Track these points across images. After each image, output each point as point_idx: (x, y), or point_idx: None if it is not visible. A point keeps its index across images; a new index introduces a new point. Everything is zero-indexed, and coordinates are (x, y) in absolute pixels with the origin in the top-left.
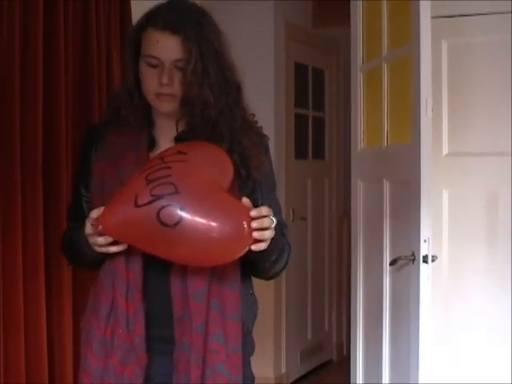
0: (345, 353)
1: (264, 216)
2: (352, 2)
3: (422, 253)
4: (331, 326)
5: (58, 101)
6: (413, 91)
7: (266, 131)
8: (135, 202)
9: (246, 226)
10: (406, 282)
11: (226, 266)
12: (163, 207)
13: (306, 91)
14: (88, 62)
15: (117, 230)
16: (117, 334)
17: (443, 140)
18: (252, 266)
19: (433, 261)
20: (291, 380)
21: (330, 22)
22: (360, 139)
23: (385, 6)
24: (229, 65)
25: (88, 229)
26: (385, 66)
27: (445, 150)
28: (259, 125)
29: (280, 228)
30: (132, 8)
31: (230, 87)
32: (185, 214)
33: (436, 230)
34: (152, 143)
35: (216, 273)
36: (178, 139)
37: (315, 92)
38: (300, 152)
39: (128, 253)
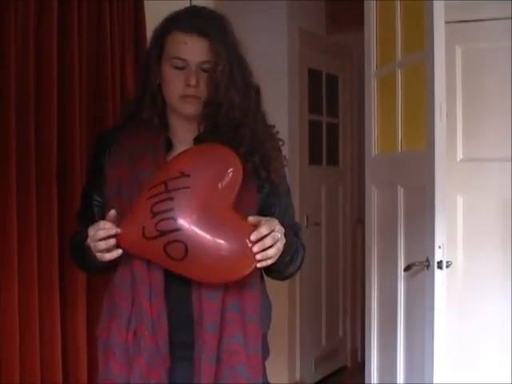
0: (359, 359)
1: (266, 235)
2: (366, 8)
3: (437, 259)
4: (345, 332)
5: (72, 107)
6: (427, 97)
7: (279, 137)
8: (143, 233)
9: (245, 248)
10: (420, 288)
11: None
12: (169, 243)
13: (320, 97)
14: (102, 67)
15: (132, 248)
16: (143, 336)
17: (457, 146)
18: (266, 267)
19: (447, 267)
20: None
21: (343, 28)
22: (374, 145)
23: (398, 11)
24: (249, 70)
25: (92, 232)
26: (399, 72)
27: (459, 156)
28: (276, 130)
29: (294, 230)
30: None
31: (251, 91)
32: (190, 249)
33: (450, 235)
34: (169, 146)
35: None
36: (198, 140)
37: (329, 98)
38: (314, 158)
39: None
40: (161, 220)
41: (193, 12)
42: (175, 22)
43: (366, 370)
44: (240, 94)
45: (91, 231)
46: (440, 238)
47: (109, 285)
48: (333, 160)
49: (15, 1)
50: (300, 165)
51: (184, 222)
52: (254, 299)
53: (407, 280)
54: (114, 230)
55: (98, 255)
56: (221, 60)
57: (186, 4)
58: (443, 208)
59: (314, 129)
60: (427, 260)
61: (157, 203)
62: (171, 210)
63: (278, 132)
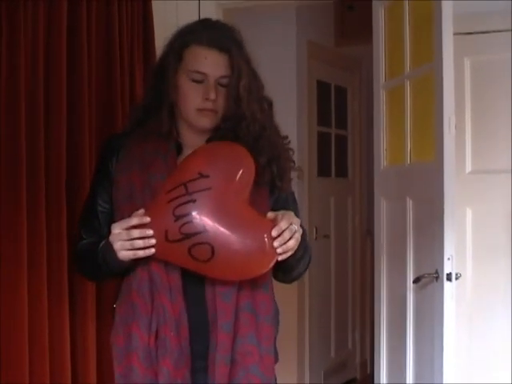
0: (368, 371)
1: (284, 230)
2: (374, 20)
3: (446, 271)
4: (355, 345)
5: (82, 113)
6: (436, 109)
7: (290, 147)
8: (166, 237)
9: (268, 243)
10: (429, 300)
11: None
12: (194, 245)
13: (329, 109)
14: (111, 69)
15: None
16: (168, 338)
17: (466, 157)
18: (276, 265)
19: (457, 279)
20: None
21: (352, 41)
22: (383, 157)
23: (407, 23)
24: (261, 83)
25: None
26: (407, 84)
27: (468, 168)
28: (288, 140)
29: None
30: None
31: (265, 104)
32: (216, 250)
33: (460, 247)
34: (179, 150)
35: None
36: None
37: (338, 110)
38: (323, 170)
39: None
40: (185, 223)
41: (210, 26)
42: (194, 36)
43: (375, 383)
44: (258, 108)
45: (117, 229)
46: (449, 249)
47: (120, 293)
48: (342, 172)
49: (24, 2)
50: (309, 177)
51: (209, 224)
52: (267, 300)
53: (416, 292)
54: (151, 231)
55: (126, 253)
56: (243, 74)
57: (195, 5)
58: (452, 220)
59: (322, 141)
60: (436, 272)
61: (178, 206)
62: (194, 212)
63: (289, 142)
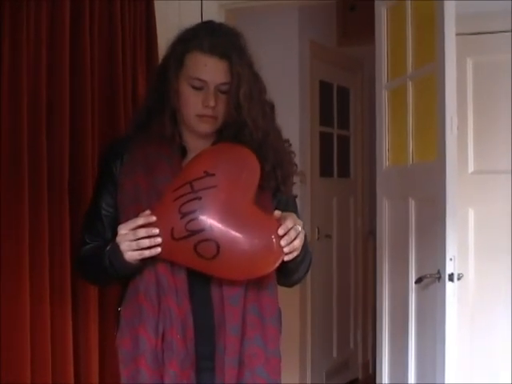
0: (370, 371)
1: (290, 228)
2: (376, 21)
3: (448, 271)
4: (357, 345)
5: (84, 114)
6: (438, 109)
7: (292, 150)
8: (172, 235)
9: (275, 241)
10: (431, 300)
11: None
12: (200, 242)
13: (331, 109)
14: (114, 70)
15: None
16: (174, 340)
17: (469, 158)
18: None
19: (459, 279)
20: None
21: (354, 41)
22: (385, 157)
23: (409, 23)
24: (264, 87)
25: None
26: (410, 84)
27: (470, 168)
28: (289, 143)
29: None
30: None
31: (267, 108)
32: (221, 247)
33: (462, 248)
34: (183, 153)
35: (253, 279)
36: None
37: (340, 110)
38: (325, 170)
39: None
40: (191, 220)
41: (213, 31)
42: (195, 41)
43: (377, 383)
44: (260, 114)
45: (123, 230)
46: (451, 250)
47: (126, 296)
48: (344, 172)
49: (27, 2)
50: (311, 177)
51: (214, 221)
52: (272, 302)
53: (418, 292)
54: (156, 230)
55: (132, 254)
56: (242, 82)
57: (197, 5)
58: (454, 220)
59: (325, 141)
60: (438, 272)
61: (184, 204)
62: (200, 209)
63: (291, 145)
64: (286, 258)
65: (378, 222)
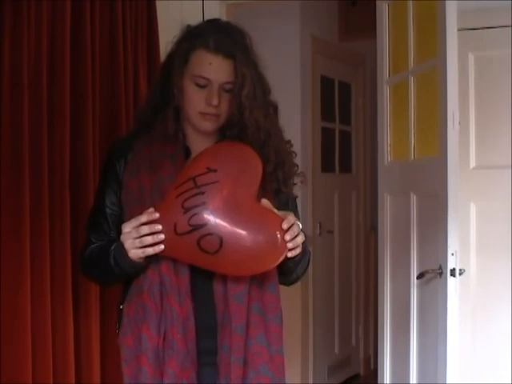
0: (372, 367)
1: (293, 224)
2: (378, 16)
3: (450, 266)
4: (358, 340)
5: (85, 113)
6: (439, 104)
7: (293, 150)
8: (175, 230)
9: (279, 236)
10: (433, 295)
11: (265, 271)
12: (203, 236)
13: (333, 105)
14: (115, 73)
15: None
16: (175, 340)
17: (470, 153)
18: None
19: (460, 274)
20: None
21: (356, 36)
22: (387, 152)
23: (411, 18)
24: (268, 87)
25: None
26: (411, 79)
27: (472, 163)
28: (290, 144)
29: None
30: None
31: (270, 109)
32: (224, 242)
33: (463, 243)
34: (187, 153)
35: (256, 277)
36: None
37: (342, 105)
38: (327, 166)
39: (174, 261)
40: (194, 214)
41: (218, 29)
42: (201, 39)
43: (378, 378)
44: (262, 115)
45: (127, 228)
46: (453, 245)
47: (129, 294)
48: (346, 167)
49: (28, 2)
50: (313, 172)
51: (217, 215)
52: (275, 301)
53: (420, 288)
54: (159, 226)
55: (136, 252)
56: (246, 82)
57: (199, 2)
58: (456, 215)
59: (326, 136)
60: (440, 267)
61: (187, 199)
62: (203, 203)
63: (292, 146)
64: (289, 255)
65: (379, 217)
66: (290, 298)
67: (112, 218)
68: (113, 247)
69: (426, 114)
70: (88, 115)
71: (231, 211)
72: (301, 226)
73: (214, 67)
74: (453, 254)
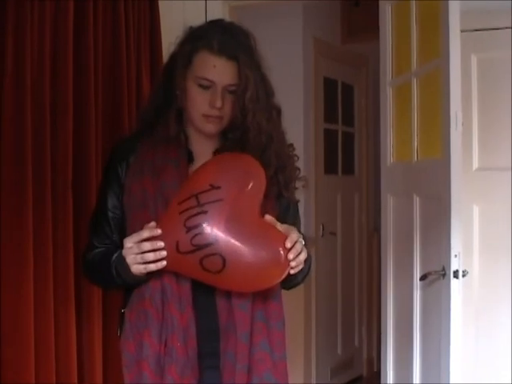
0: (375, 368)
1: (296, 241)
2: (381, 17)
3: (453, 268)
4: (361, 342)
5: (88, 113)
6: (442, 106)
7: (295, 146)
8: (177, 248)
9: (282, 254)
10: (436, 297)
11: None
12: (206, 256)
13: (336, 106)
14: (117, 73)
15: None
16: (175, 347)
17: (473, 154)
18: None
19: (463, 276)
20: None
21: (358, 38)
22: (390, 154)
23: (414, 20)
24: (271, 90)
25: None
26: (414, 81)
27: (475, 165)
28: (292, 148)
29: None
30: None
31: (273, 112)
32: (227, 262)
33: (467, 244)
34: (190, 157)
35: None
36: (218, 153)
37: (345, 107)
38: (330, 167)
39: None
40: (196, 234)
41: (222, 31)
42: (204, 41)
43: (381, 380)
44: (265, 118)
45: (129, 243)
46: (456, 247)
47: (131, 299)
48: (348, 169)
49: (31, 2)
50: (315, 174)
51: (220, 236)
52: (278, 308)
53: (423, 289)
54: (161, 243)
55: (138, 267)
56: (249, 85)
57: (201, 3)
58: (459, 217)
59: (329, 138)
60: (443, 269)
61: (190, 217)
62: (206, 223)
63: (294, 149)
64: (292, 272)
65: (382, 219)
66: (292, 300)
67: (114, 221)
68: (114, 258)
69: (429, 116)
70: (91, 116)
71: (234, 229)
72: (303, 242)
73: (217, 69)
74: (456, 256)
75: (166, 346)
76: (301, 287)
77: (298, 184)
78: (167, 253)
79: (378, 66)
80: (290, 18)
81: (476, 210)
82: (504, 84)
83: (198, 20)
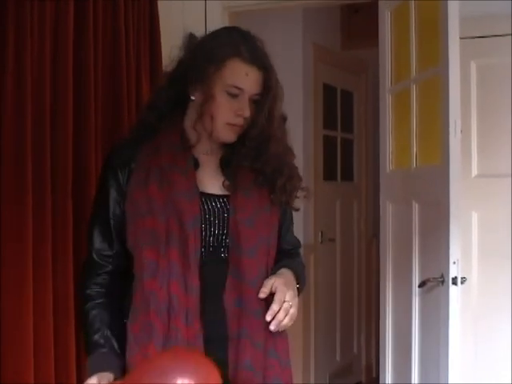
0: (374, 375)
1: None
2: (380, 24)
3: (452, 275)
4: (360, 348)
5: (88, 115)
6: (442, 112)
7: (294, 152)
8: None
9: None
10: (435, 304)
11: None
12: None
13: (335, 113)
14: (117, 74)
15: None
16: None
17: (472, 161)
18: None
19: (462, 283)
20: None
21: (358, 44)
22: (389, 160)
23: (413, 27)
24: (282, 97)
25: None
26: (413, 88)
27: (474, 172)
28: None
29: (295, 247)
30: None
31: (282, 120)
32: None
33: (465, 251)
34: (195, 164)
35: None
36: (224, 163)
37: (344, 113)
38: (329, 173)
39: (185, 277)
40: None
41: (249, 40)
42: (233, 48)
43: None
44: (282, 128)
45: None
46: (455, 253)
47: (133, 310)
48: (348, 175)
49: (31, 3)
50: (315, 180)
51: None
52: None
53: (422, 296)
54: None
55: None
56: (278, 96)
57: (201, 6)
58: (458, 224)
59: (328, 144)
60: (442, 276)
61: None
62: None
63: (295, 157)
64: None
65: (381, 225)
66: None
67: (116, 230)
68: (90, 351)
69: (428, 122)
70: (90, 118)
71: None
72: (293, 295)
73: (249, 78)
74: (455, 263)
75: None
76: None
77: (301, 194)
78: None
79: (377, 73)
80: (289, 24)
81: (475, 216)
82: (503, 91)
83: (197, 23)
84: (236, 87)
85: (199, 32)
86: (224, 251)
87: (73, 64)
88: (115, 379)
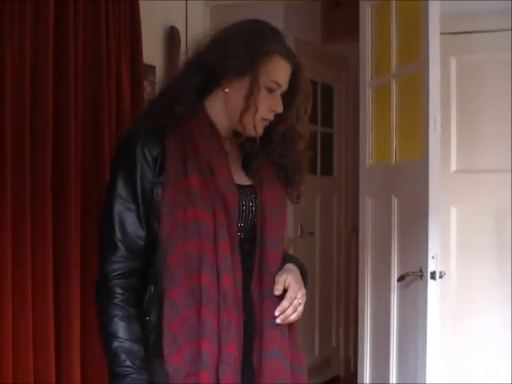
0: (352, 368)
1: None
2: (361, 19)
3: (430, 269)
4: (339, 342)
5: (68, 115)
6: (421, 108)
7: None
8: None
9: None
10: (413, 298)
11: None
12: None
13: (315, 107)
14: (98, 73)
15: None
16: (232, 356)
17: (452, 156)
18: None
19: (441, 277)
20: None
21: (339, 39)
22: (368, 155)
23: (394, 22)
24: (311, 96)
25: None
26: (394, 83)
27: (453, 167)
28: None
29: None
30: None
31: (307, 118)
32: None
33: (444, 246)
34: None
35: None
36: (247, 156)
37: (324, 108)
38: (309, 168)
39: (234, 270)
40: None
41: (282, 38)
42: (278, 45)
43: (358, 380)
44: (306, 124)
45: None
46: (433, 248)
47: (169, 307)
48: (327, 170)
49: (12, 3)
50: None
51: None
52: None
53: (400, 290)
54: None
55: None
56: (309, 93)
57: (182, 3)
58: (437, 218)
59: (308, 138)
60: (420, 270)
61: None
62: None
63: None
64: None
65: (360, 219)
66: None
67: (147, 240)
68: (116, 364)
69: (408, 117)
70: (70, 117)
71: None
72: (302, 295)
73: (286, 74)
74: (433, 257)
75: (220, 353)
76: None
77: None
78: None
79: (357, 67)
80: (270, 18)
81: (454, 211)
82: (483, 87)
83: (179, 20)
84: (277, 83)
85: (180, 26)
86: (246, 243)
87: (53, 63)
88: None
